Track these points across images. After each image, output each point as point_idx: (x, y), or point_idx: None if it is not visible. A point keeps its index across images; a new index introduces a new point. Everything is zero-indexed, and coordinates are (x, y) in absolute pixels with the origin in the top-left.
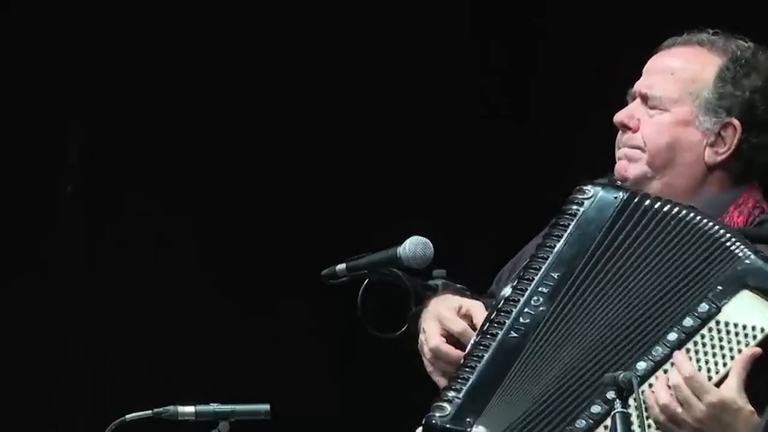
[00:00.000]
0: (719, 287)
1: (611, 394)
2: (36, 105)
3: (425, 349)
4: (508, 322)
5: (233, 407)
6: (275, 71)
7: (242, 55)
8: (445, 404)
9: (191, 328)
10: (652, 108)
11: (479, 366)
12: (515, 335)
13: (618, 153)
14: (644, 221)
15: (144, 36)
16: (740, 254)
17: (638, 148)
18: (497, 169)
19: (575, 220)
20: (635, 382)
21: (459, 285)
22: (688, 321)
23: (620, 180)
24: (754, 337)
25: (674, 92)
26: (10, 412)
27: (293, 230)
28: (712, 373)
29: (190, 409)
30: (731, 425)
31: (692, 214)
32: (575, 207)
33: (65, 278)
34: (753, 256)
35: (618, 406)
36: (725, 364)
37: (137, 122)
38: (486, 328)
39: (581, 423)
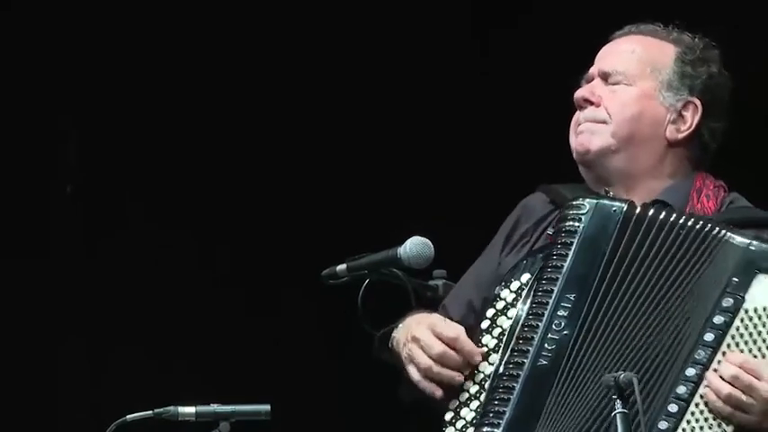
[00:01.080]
0: (735, 279)
1: (673, 407)
2: (34, 105)
3: (422, 359)
4: (533, 349)
5: (233, 407)
6: (276, 68)
7: (241, 53)
8: None
9: (191, 328)
10: (615, 84)
11: (513, 398)
12: (544, 362)
13: (578, 128)
14: (651, 234)
15: (141, 35)
16: (742, 244)
17: (602, 121)
18: (499, 171)
19: (577, 237)
20: (635, 382)
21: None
22: (719, 319)
23: (582, 154)
24: None
25: (637, 68)
26: (10, 412)
27: (294, 230)
28: (759, 359)
29: (190, 409)
30: None
31: (690, 221)
32: (574, 224)
33: (64, 278)
34: (755, 242)
35: (619, 406)
36: None
37: (136, 121)
38: (507, 357)
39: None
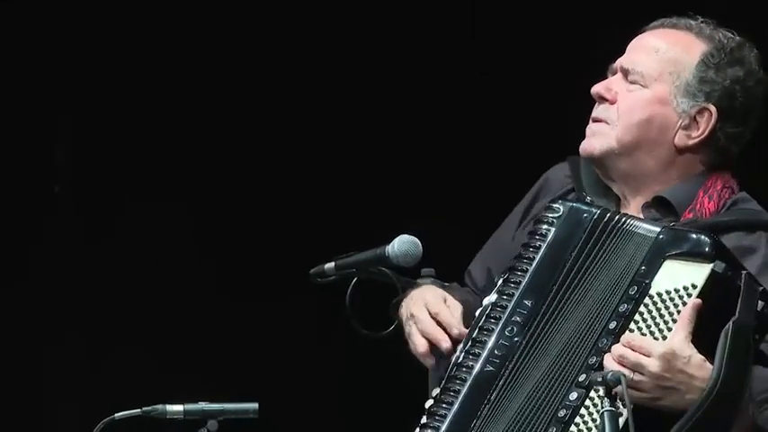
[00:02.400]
0: (643, 267)
1: (573, 395)
2: (24, 104)
3: (417, 338)
4: (484, 354)
5: (222, 405)
6: (268, 66)
7: (234, 52)
8: None
9: (179, 327)
10: (632, 83)
11: (456, 401)
12: (491, 368)
13: (590, 125)
14: (606, 239)
15: (131, 33)
16: (653, 233)
17: (611, 121)
18: (488, 168)
19: (546, 242)
20: (623, 380)
21: (447, 284)
22: (623, 307)
23: (586, 155)
24: (689, 295)
25: (656, 69)
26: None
27: (285, 228)
28: (660, 340)
29: (178, 407)
30: (685, 371)
31: (635, 221)
32: (545, 227)
33: (53, 277)
34: (665, 230)
35: (606, 404)
36: (669, 329)
37: (128, 120)
38: (461, 359)
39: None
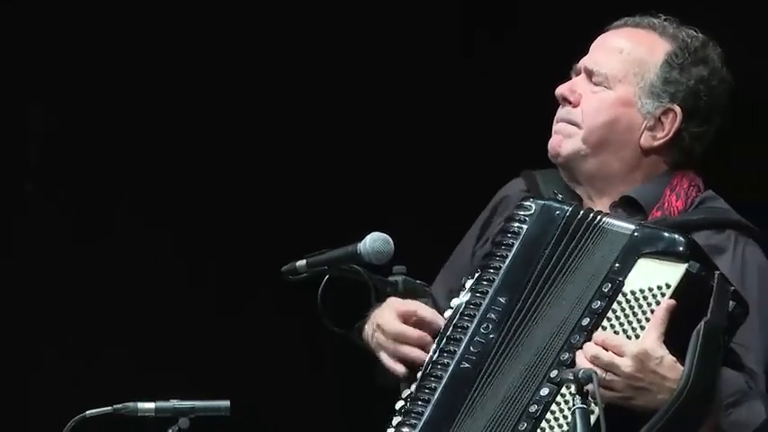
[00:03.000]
0: (617, 265)
1: (544, 390)
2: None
3: (385, 341)
4: (459, 351)
5: (193, 403)
6: (242, 66)
7: (208, 51)
8: None
9: (151, 324)
10: (596, 84)
11: (433, 399)
12: (467, 365)
13: (554, 127)
14: (579, 235)
15: (105, 31)
16: (627, 231)
17: (575, 123)
18: (459, 167)
19: (519, 240)
20: (595, 378)
21: (419, 281)
22: (596, 303)
23: (553, 156)
24: (663, 294)
25: (620, 70)
26: None
27: (261, 227)
28: (633, 339)
29: (149, 405)
30: (657, 371)
31: (609, 219)
32: (517, 225)
33: (27, 277)
34: (639, 227)
35: (578, 402)
36: (642, 327)
37: (102, 117)
38: (436, 357)
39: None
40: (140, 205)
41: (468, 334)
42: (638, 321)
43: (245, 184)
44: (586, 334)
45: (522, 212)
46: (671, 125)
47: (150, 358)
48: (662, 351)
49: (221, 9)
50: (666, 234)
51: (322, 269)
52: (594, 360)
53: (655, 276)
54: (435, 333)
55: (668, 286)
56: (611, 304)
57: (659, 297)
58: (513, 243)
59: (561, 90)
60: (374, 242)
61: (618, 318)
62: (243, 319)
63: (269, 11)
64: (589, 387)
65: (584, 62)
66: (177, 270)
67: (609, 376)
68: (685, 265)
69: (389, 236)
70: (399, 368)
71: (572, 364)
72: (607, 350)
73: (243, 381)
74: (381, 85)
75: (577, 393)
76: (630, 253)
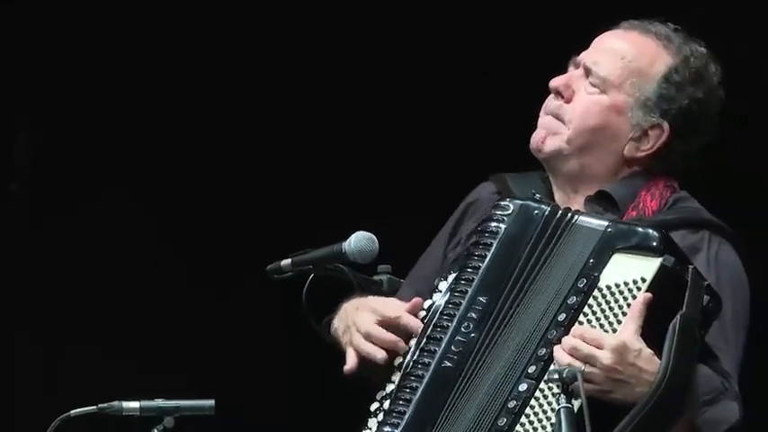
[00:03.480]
0: (592, 260)
1: (523, 386)
2: None
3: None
4: (440, 350)
5: (178, 402)
6: (226, 62)
7: (190, 47)
8: None
9: (135, 323)
10: (592, 85)
11: (414, 399)
12: (449, 363)
13: (541, 120)
14: (557, 234)
15: (89, 31)
16: (601, 226)
17: (563, 120)
18: (444, 166)
19: (497, 239)
20: (580, 377)
21: (403, 280)
22: (572, 299)
23: (535, 150)
24: (639, 288)
25: (618, 77)
26: None
27: (244, 226)
28: (610, 333)
29: (134, 404)
30: (636, 364)
31: (586, 217)
32: (495, 225)
33: (7, 272)
34: (613, 224)
35: (563, 401)
36: (619, 322)
37: (88, 115)
38: (416, 355)
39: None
40: (128, 202)
41: (449, 333)
42: (615, 316)
43: (231, 182)
44: (563, 329)
45: (500, 212)
46: (656, 140)
47: (135, 357)
48: (639, 344)
49: (204, 6)
50: (640, 229)
51: (307, 268)
52: (573, 352)
53: (630, 271)
54: (408, 335)
55: (644, 280)
56: (587, 299)
57: (635, 291)
58: (491, 243)
59: (556, 83)
60: (359, 241)
61: (594, 312)
62: (227, 319)
63: (250, 7)
64: (574, 385)
65: (584, 58)
66: (163, 270)
67: (588, 369)
68: (660, 259)
69: (374, 235)
70: (351, 362)
71: (549, 359)
72: (586, 343)
73: (227, 380)
74: (368, 85)
75: (562, 392)
76: (605, 248)
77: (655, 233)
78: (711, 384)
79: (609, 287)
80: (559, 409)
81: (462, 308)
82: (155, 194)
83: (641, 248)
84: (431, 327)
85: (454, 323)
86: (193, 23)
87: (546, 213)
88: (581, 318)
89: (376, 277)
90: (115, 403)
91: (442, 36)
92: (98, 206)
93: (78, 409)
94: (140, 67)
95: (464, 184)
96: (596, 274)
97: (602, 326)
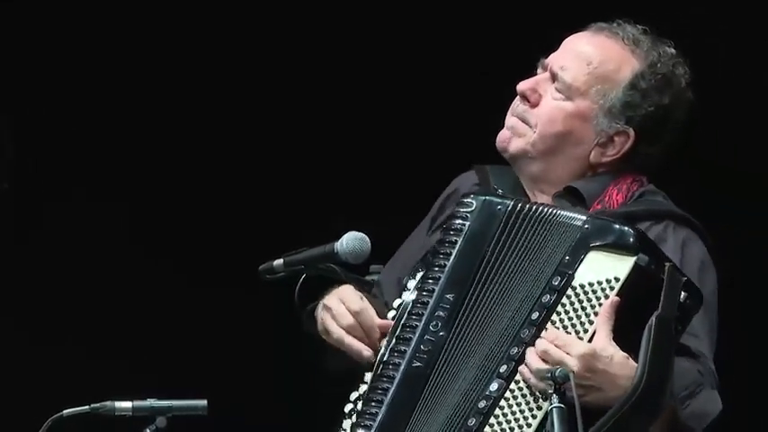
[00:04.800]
0: (567, 257)
1: (494, 385)
2: None
3: (333, 327)
4: (410, 350)
5: (170, 402)
6: (208, 62)
7: (173, 48)
8: None
9: (127, 323)
10: (558, 91)
11: (386, 399)
12: (419, 363)
13: (507, 121)
14: (523, 228)
15: (73, 30)
16: (578, 223)
17: (529, 124)
18: (436, 166)
19: (462, 236)
20: (572, 377)
21: None
22: (546, 297)
23: (500, 150)
24: (612, 288)
25: (584, 83)
26: None
27: (234, 226)
28: (582, 333)
29: (127, 404)
30: (607, 371)
31: (554, 210)
32: (460, 222)
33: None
34: (590, 219)
35: (555, 401)
36: (591, 322)
37: (71, 113)
38: (387, 357)
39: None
40: (119, 201)
41: (418, 333)
42: (587, 316)
43: (215, 182)
44: (536, 329)
45: (464, 209)
46: (622, 146)
47: (127, 357)
48: (612, 349)
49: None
50: (616, 226)
51: (299, 268)
52: (544, 356)
53: (604, 269)
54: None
55: (617, 280)
56: (561, 298)
57: (608, 291)
58: (456, 240)
59: (523, 87)
60: (351, 241)
61: (567, 312)
62: (220, 318)
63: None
64: (566, 385)
65: (552, 62)
66: (155, 268)
67: None
68: (634, 258)
69: (366, 235)
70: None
71: (521, 359)
72: (557, 347)
73: (220, 380)
74: (358, 85)
75: (554, 392)
76: (580, 246)
77: (630, 230)
78: (689, 377)
79: (582, 286)
80: (551, 409)
81: (430, 307)
82: (147, 193)
83: (616, 246)
84: (400, 327)
85: (423, 322)
86: (177, 22)
87: (509, 208)
88: (553, 317)
89: (368, 277)
90: (107, 403)
91: (437, 36)
92: (89, 205)
93: (71, 409)
94: (128, 65)
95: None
96: (571, 273)
97: (573, 326)
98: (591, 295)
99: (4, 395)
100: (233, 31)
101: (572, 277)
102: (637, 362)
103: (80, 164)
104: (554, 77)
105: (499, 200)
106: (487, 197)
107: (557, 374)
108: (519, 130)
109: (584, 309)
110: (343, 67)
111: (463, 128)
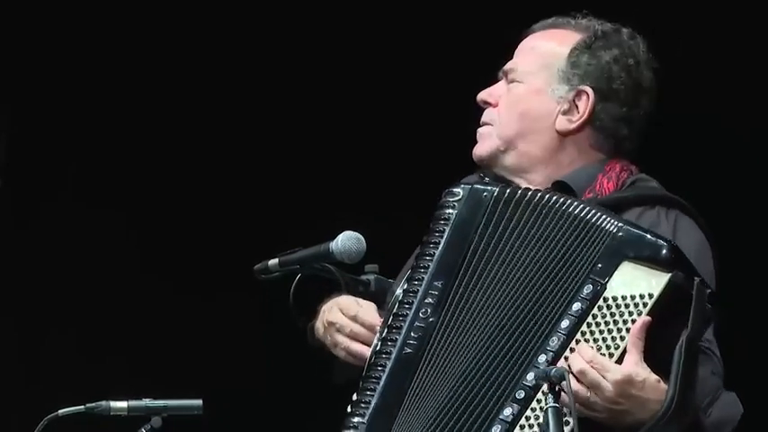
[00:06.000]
0: (599, 265)
1: (521, 393)
2: None
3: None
4: (400, 338)
5: (165, 402)
6: (204, 63)
7: (168, 51)
8: (352, 431)
9: (123, 323)
10: (511, 82)
11: (379, 387)
12: (409, 350)
13: (477, 131)
14: (517, 214)
15: (70, 25)
16: (612, 228)
17: (492, 122)
18: (433, 165)
19: (449, 224)
20: (567, 376)
21: (390, 280)
22: (576, 306)
23: (476, 161)
24: (645, 305)
25: (531, 64)
26: None
27: (229, 225)
28: (612, 350)
29: (122, 404)
30: (640, 396)
31: (561, 199)
32: (447, 211)
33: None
34: (625, 227)
35: (550, 401)
36: (622, 338)
37: (66, 111)
38: (379, 347)
39: (496, 428)
40: (113, 200)
41: (408, 320)
42: (619, 331)
43: (211, 181)
44: (565, 338)
45: (451, 198)
46: (585, 106)
47: (123, 357)
48: (644, 373)
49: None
50: (652, 238)
51: (294, 268)
52: (581, 376)
53: (638, 284)
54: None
55: (650, 296)
56: (592, 309)
57: (641, 307)
58: (444, 229)
59: (481, 95)
60: (346, 241)
61: (598, 324)
62: (217, 318)
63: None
64: (563, 385)
65: (504, 67)
66: (151, 268)
67: (592, 397)
68: (669, 275)
69: (361, 235)
70: (358, 351)
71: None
72: (594, 369)
73: (215, 379)
74: (353, 84)
75: (549, 392)
76: (613, 254)
77: (666, 244)
78: (709, 384)
79: (615, 299)
80: (547, 409)
81: (419, 294)
82: (143, 195)
83: (652, 260)
84: (391, 317)
85: (413, 310)
86: (170, 23)
87: (495, 194)
88: (583, 327)
89: (363, 277)
90: (103, 403)
91: (437, 36)
92: (85, 205)
93: (66, 409)
94: (123, 62)
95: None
96: (603, 282)
97: (604, 340)
98: (623, 309)
99: (0, 395)
100: (227, 33)
101: (604, 288)
102: (660, 377)
103: (75, 163)
104: (506, 74)
105: (484, 187)
106: (474, 185)
107: (552, 374)
108: (484, 133)
109: (615, 323)
110: (337, 69)
111: (464, 127)
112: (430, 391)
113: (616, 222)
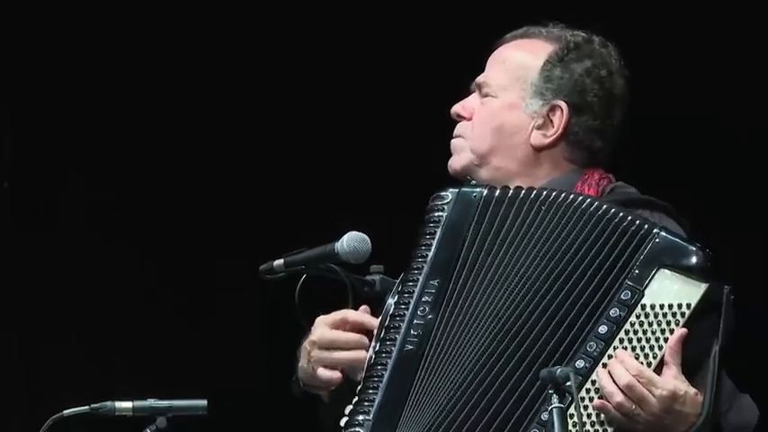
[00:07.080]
0: (636, 271)
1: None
2: None
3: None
4: (400, 336)
5: (170, 402)
6: (203, 61)
7: (169, 50)
8: (358, 429)
9: (127, 323)
10: (485, 96)
11: (382, 384)
12: (410, 347)
13: (451, 145)
14: (513, 211)
15: (74, 26)
16: (645, 233)
17: (465, 136)
18: (436, 166)
19: (440, 226)
20: (572, 377)
21: (396, 281)
22: (614, 311)
23: (452, 174)
24: (683, 314)
25: (504, 79)
26: None
27: (234, 225)
28: (650, 359)
29: (127, 404)
30: (682, 411)
31: (571, 197)
32: (437, 213)
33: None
34: (662, 233)
35: (555, 401)
36: (660, 348)
37: (73, 114)
38: (378, 347)
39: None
40: (114, 201)
41: (406, 320)
42: (657, 341)
43: (214, 181)
44: (604, 344)
45: (440, 201)
46: (559, 121)
47: (127, 357)
48: (685, 387)
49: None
50: (690, 247)
51: (299, 268)
52: (627, 390)
53: (676, 293)
54: (371, 331)
55: (689, 306)
56: (630, 316)
57: (678, 317)
58: (435, 231)
59: (454, 108)
60: (352, 241)
61: (636, 332)
62: (220, 318)
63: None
64: (567, 385)
65: (477, 79)
66: (155, 268)
67: (636, 410)
68: (706, 285)
69: (367, 235)
70: (335, 375)
71: (589, 374)
72: (641, 383)
73: (215, 379)
74: (356, 84)
75: (554, 392)
76: (651, 261)
77: (704, 254)
78: (727, 388)
79: (653, 306)
80: (551, 409)
81: (416, 295)
82: (147, 194)
83: (690, 269)
84: (388, 318)
85: (410, 310)
86: (170, 22)
87: (484, 194)
88: (621, 334)
89: (368, 277)
90: (108, 403)
91: (437, 36)
92: (89, 205)
93: (71, 409)
94: (125, 62)
95: (457, 185)
96: (641, 289)
97: (642, 349)
98: (661, 319)
99: (5, 395)
100: (230, 31)
101: (642, 294)
102: (693, 385)
103: (76, 163)
104: (479, 88)
105: (471, 189)
106: (462, 188)
107: (557, 374)
108: (458, 147)
109: (653, 333)
110: (341, 68)
111: None
112: (436, 386)
113: (650, 227)
